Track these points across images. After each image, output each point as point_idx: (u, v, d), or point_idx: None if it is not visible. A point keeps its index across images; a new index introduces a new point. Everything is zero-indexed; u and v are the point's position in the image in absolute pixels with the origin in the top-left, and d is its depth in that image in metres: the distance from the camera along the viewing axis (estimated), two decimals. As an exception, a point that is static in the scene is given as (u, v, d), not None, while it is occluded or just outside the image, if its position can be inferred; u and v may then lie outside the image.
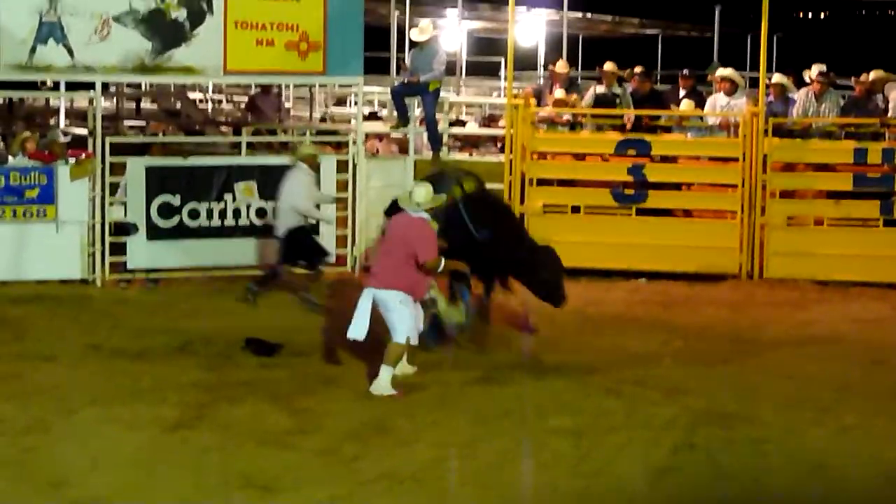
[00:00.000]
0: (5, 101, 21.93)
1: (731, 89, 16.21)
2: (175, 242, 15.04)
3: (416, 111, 16.73)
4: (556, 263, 12.38)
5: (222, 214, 15.22)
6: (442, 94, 16.39)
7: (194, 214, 15.14)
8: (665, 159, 16.18)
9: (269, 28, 15.32)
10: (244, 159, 15.69)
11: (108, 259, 14.89)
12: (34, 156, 14.77)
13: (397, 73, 23.95)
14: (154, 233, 14.98)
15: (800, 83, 16.65)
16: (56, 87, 20.07)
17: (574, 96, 16.50)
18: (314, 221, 14.67)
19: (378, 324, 10.85)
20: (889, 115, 15.71)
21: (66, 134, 16.95)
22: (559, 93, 16.38)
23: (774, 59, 28.92)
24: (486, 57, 35.82)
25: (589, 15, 33.75)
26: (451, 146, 19.71)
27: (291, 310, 13.76)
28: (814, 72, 16.14)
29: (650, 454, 9.28)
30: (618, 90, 16.49)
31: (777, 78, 16.63)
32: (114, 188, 14.97)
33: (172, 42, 15.02)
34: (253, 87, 20.71)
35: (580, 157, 16.33)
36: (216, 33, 15.14)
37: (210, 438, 9.42)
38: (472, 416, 10.09)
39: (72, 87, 18.37)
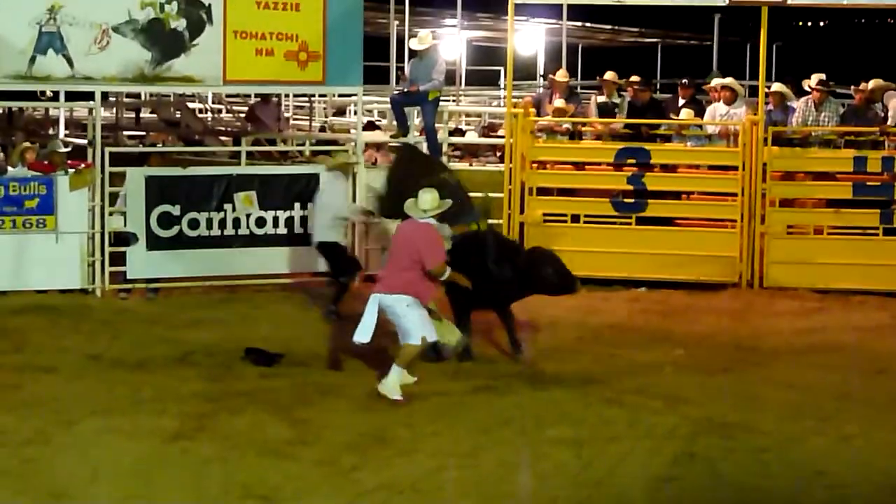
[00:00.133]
0: (5, 112, 21.91)
1: (731, 98, 16.23)
2: (175, 252, 15.03)
3: (416, 120, 16.71)
4: (551, 255, 12.29)
5: (222, 224, 15.21)
6: (441, 103, 16.40)
7: (194, 224, 15.13)
8: (665, 168, 16.20)
9: (269, 38, 15.33)
10: (244, 169, 15.70)
11: (107, 269, 14.88)
12: (34, 166, 14.78)
13: (397, 82, 23.94)
14: (154, 243, 14.96)
15: (799, 92, 16.65)
16: (55, 97, 20.03)
17: (573, 107, 16.51)
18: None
19: (380, 336, 10.86)
20: (888, 123, 15.72)
21: (65, 144, 16.91)
22: (559, 102, 16.39)
23: (774, 68, 28.93)
24: (485, 66, 35.87)
25: (588, 24, 33.78)
26: (451, 155, 19.70)
27: (291, 320, 13.75)
28: (813, 81, 16.14)
29: (651, 463, 9.27)
30: (617, 100, 16.52)
31: (776, 87, 16.64)
32: (113, 198, 14.96)
33: (172, 52, 15.03)
34: (252, 96, 20.72)
35: (580, 166, 16.34)
36: (216, 43, 15.14)
37: (210, 449, 9.41)
38: (472, 425, 10.09)
39: (71, 97, 18.34)
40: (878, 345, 13.21)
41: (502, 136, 17.81)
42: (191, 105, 24.91)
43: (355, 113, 19.38)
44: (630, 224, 15.90)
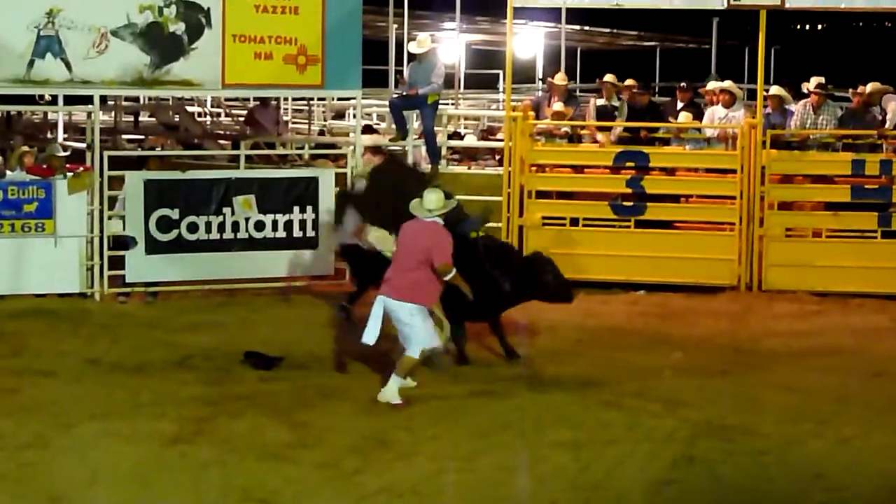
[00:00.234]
0: (3, 115, 21.93)
1: (730, 101, 16.23)
2: (174, 256, 15.02)
3: (415, 124, 16.70)
4: (551, 263, 12.31)
5: (221, 228, 15.21)
6: (440, 106, 16.40)
7: (193, 228, 15.12)
8: (663, 171, 16.20)
9: (268, 41, 15.33)
10: (243, 173, 15.69)
11: (106, 273, 14.88)
12: (32, 170, 14.77)
13: (396, 86, 23.97)
14: (153, 246, 14.96)
15: (798, 95, 16.67)
16: (54, 100, 20.06)
17: (572, 110, 16.51)
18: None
19: (384, 340, 10.87)
20: (886, 126, 15.73)
21: (64, 148, 16.91)
22: (557, 105, 16.39)
23: (772, 71, 28.98)
24: (484, 70, 35.88)
25: (587, 27, 33.80)
26: (450, 159, 19.71)
27: (290, 324, 13.75)
28: (812, 84, 16.16)
29: (650, 466, 9.27)
30: (616, 102, 16.52)
31: (775, 90, 16.64)
32: (112, 202, 14.96)
33: (171, 55, 15.03)
34: (251, 100, 20.73)
35: (579, 169, 16.35)
36: (214, 47, 15.14)
37: (209, 452, 9.41)
38: (471, 429, 10.08)
39: (70, 100, 18.38)
40: (877, 347, 13.21)
41: (501, 140, 17.81)
42: (189, 109, 24.92)
43: (354, 116, 19.39)
44: (629, 227, 15.89)
